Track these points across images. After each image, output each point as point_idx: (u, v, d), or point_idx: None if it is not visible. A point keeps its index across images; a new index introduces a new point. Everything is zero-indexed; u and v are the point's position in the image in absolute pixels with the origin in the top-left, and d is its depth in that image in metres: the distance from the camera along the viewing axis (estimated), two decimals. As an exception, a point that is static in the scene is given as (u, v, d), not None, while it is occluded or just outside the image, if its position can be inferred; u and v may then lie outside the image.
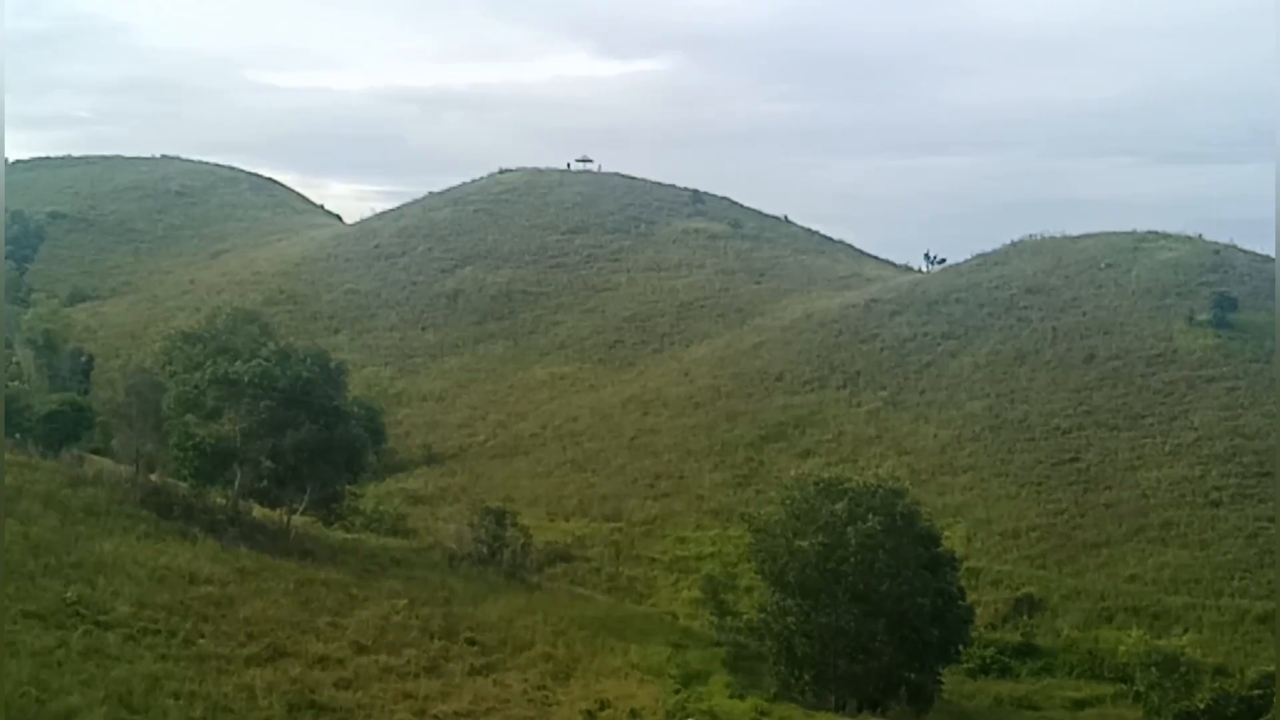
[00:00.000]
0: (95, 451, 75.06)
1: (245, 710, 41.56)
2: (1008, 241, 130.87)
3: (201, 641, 47.02)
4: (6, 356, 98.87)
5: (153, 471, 67.26)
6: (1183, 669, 54.77)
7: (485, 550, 69.16)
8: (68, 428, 71.82)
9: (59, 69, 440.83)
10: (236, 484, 66.07)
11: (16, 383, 79.15)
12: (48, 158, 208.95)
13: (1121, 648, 61.45)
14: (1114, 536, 77.01)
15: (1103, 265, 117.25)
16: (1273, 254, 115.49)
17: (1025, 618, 70.66)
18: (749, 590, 65.85)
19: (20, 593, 46.63)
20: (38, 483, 60.35)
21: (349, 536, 71.74)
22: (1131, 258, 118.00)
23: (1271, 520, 75.43)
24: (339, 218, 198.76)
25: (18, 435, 69.57)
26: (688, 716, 47.38)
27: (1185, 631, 64.12)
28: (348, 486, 75.60)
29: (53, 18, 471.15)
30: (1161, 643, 58.73)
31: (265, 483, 67.51)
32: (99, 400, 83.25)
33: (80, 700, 38.45)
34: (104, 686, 40.26)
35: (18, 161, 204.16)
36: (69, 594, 47.48)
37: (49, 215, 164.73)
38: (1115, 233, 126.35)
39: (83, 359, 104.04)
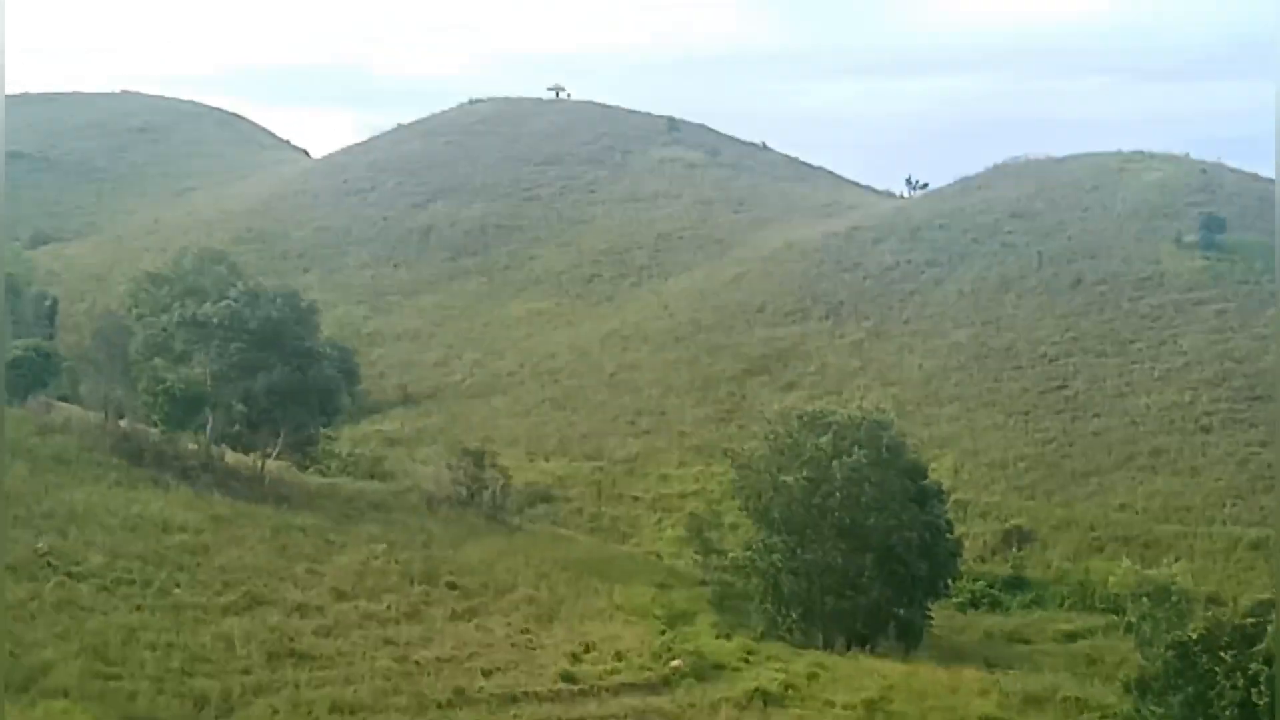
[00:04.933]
0: (62, 398, 73.66)
1: (223, 660, 40.58)
2: (990, 165, 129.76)
3: (177, 591, 46.06)
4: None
5: (122, 418, 66.00)
6: (1174, 599, 54.10)
7: (464, 492, 68.14)
8: (34, 374, 70.33)
9: None
10: (209, 429, 64.94)
11: (-22, 329, 77.53)
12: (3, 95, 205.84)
13: (1112, 578, 60.61)
14: (1103, 465, 76.31)
15: (1088, 188, 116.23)
16: (1261, 172, 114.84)
17: (1014, 550, 69.93)
18: (734, 528, 65.03)
19: (-11, 544, 45.59)
20: (4, 432, 59.08)
21: (325, 481, 70.68)
22: (1117, 179, 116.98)
23: (1263, 445, 74.84)
24: (306, 153, 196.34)
25: (-19, 383, 68.24)
26: (674, 657, 46.49)
27: (1177, 560, 63.16)
28: (322, 429, 74.62)
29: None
30: (1152, 572, 57.88)
31: (238, 427, 66.48)
32: (65, 345, 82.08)
33: (55, 653, 37.54)
34: (79, 639, 39.33)
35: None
36: (40, 545, 46.54)
37: (8, 155, 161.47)
38: (1100, 154, 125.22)
39: (47, 303, 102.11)
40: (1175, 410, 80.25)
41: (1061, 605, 65.08)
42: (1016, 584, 67.30)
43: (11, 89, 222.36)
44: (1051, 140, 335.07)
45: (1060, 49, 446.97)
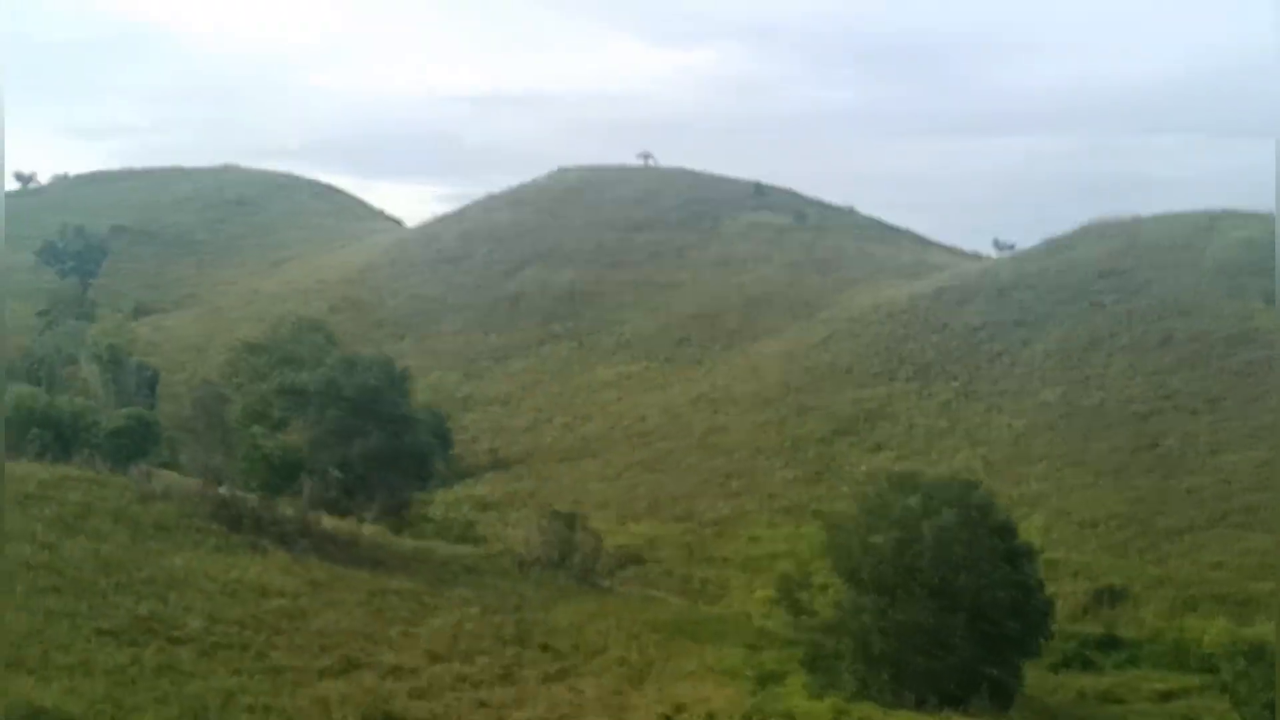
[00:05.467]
0: (163, 466, 74.95)
1: (320, 723, 41.28)
2: (1077, 225, 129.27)
3: (275, 655, 46.77)
4: (72, 373, 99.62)
5: (221, 484, 67.13)
6: (1270, 658, 53.42)
7: (555, 555, 68.57)
8: (135, 443, 71.76)
9: (112, 78, 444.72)
10: (305, 494, 65.91)
11: (82, 398, 79.27)
12: (106, 171, 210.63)
13: (1207, 637, 60.01)
14: (1196, 523, 75.54)
15: (1177, 246, 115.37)
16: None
17: (1107, 608, 69.27)
18: (824, 588, 64.91)
19: (93, 610, 46.58)
20: (107, 499, 60.30)
21: (419, 544, 71.31)
22: (1205, 237, 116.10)
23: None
24: (399, 222, 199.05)
25: (86, 451, 69.70)
26: (766, 718, 46.65)
27: (1272, 619, 62.50)
28: (417, 494, 75.50)
29: (103, 25, 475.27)
30: (1248, 631, 57.26)
31: (334, 492, 67.46)
32: (166, 414, 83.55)
33: (155, 717, 38.26)
34: (178, 703, 40.05)
35: (78, 176, 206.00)
36: (141, 610, 47.39)
37: (110, 229, 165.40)
38: (1187, 213, 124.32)
39: (148, 373, 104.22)
40: (1268, 467, 79.31)
41: (1156, 664, 64.29)
42: (1110, 643, 66.56)
43: (113, 164, 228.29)
44: (1138, 197, 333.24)
45: (1141, 107, 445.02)
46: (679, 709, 47.04)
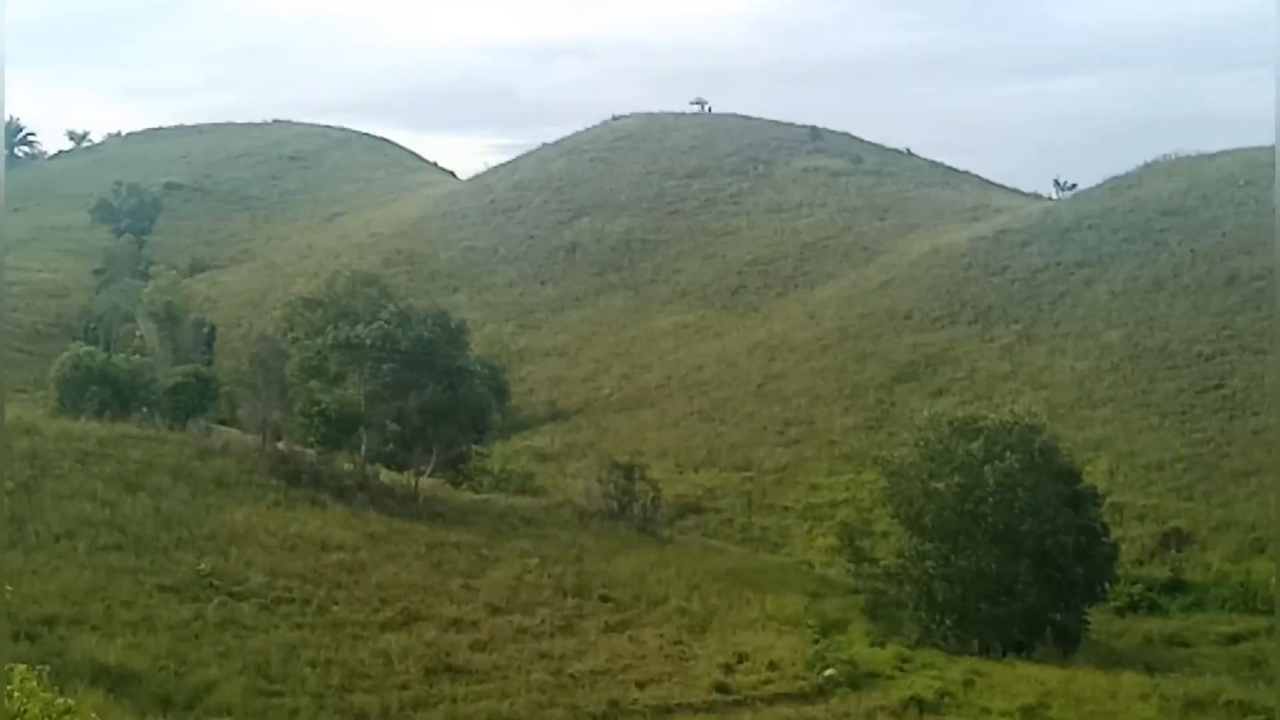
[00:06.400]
0: (222, 422, 75.42)
1: (382, 675, 41.45)
2: (1140, 163, 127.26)
3: (335, 609, 47.09)
4: (129, 331, 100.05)
5: (279, 440, 67.45)
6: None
7: (615, 505, 68.60)
8: (193, 399, 72.12)
9: (165, 38, 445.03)
10: (363, 448, 66.11)
11: (139, 356, 79.61)
12: (160, 128, 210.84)
13: (1274, 579, 59.30)
14: (1263, 464, 74.36)
15: (1241, 183, 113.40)
16: None
17: (1173, 552, 68.46)
18: (885, 536, 64.59)
19: (154, 566, 46.99)
20: (166, 456, 60.75)
21: (477, 497, 71.48)
22: (1270, 173, 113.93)
23: None
24: (453, 174, 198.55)
25: (144, 409, 70.12)
26: (828, 666, 46.41)
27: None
28: (474, 446, 75.50)
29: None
30: (1316, 572, 56.56)
31: (391, 446, 67.65)
32: (223, 370, 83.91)
33: (219, 672, 38.57)
34: (241, 657, 40.40)
35: (131, 134, 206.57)
36: (203, 566, 47.89)
37: (165, 186, 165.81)
38: (1252, 148, 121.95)
39: (205, 329, 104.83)
40: (1335, 407, 78.15)
41: (1223, 607, 63.45)
42: (1176, 587, 65.81)
43: (166, 121, 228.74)
44: (1204, 136, 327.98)
45: (1204, 44, 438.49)
46: (741, 658, 46.95)
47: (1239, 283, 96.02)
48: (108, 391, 68.91)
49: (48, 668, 21.29)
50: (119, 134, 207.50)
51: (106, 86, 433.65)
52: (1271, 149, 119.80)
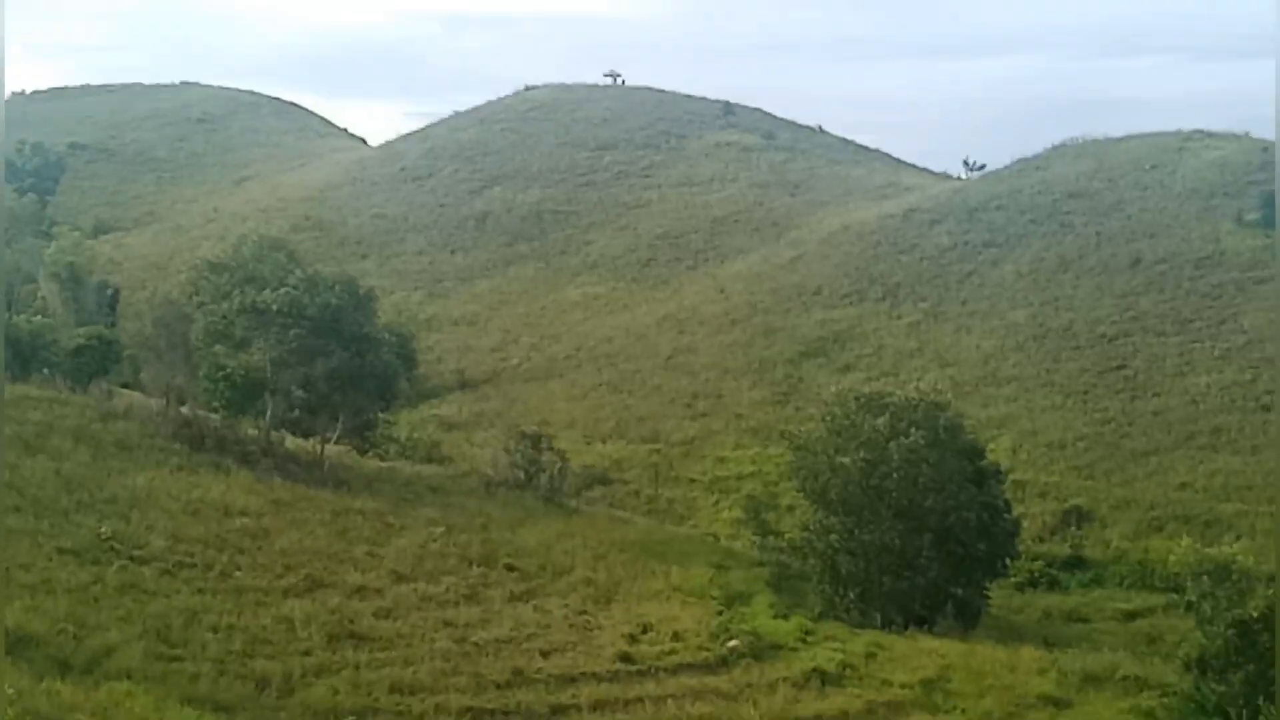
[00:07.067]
0: (124, 385, 74.41)
1: (284, 642, 40.95)
2: (1048, 146, 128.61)
3: (238, 574, 46.53)
4: (31, 292, 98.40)
5: (183, 404, 66.63)
6: (1235, 577, 53.54)
7: (522, 475, 68.34)
8: (96, 361, 71.09)
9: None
10: (268, 414, 65.40)
11: (41, 317, 78.28)
12: (66, 88, 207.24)
13: (1172, 557, 60.06)
14: (1163, 444, 75.77)
15: (1147, 167, 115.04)
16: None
17: (1073, 529, 69.61)
18: (791, 509, 65.00)
19: (54, 529, 46.17)
20: (68, 418, 59.80)
21: (383, 465, 71.05)
22: (1176, 158, 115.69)
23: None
24: (363, 141, 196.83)
25: (45, 370, 68.96)
26: (731, 638, 46.53)
27: (1237, 539, 62.60)
28: (381, 414, 74.98)
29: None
30: (1213, 551, 57.30)
31: (297, 412, 66.93)
32: (127, 333, 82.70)
33: (118, 636, 37.91)
34: (141, 621, 39.76)
35: (35, 92, 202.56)
36: (103, 529, 47.04)
37: (69, 146, 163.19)
38: (1159, 133, 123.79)
39: (108, 291, 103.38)
40: (1235, 389, 79.56)
41: (1121, 584, 64.74)
42: (1075, 563, 66.97)
43: (71, 81, 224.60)
44: (1108, 120, 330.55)
45: (1115, 29, 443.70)
46: (645, 628, 46.91)
47: (1143, 265, 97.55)
48: (8, 352, 67.69)
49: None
50: (23, 92, 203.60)
51: (9, 43, 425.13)
52: (1176, 133, 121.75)
